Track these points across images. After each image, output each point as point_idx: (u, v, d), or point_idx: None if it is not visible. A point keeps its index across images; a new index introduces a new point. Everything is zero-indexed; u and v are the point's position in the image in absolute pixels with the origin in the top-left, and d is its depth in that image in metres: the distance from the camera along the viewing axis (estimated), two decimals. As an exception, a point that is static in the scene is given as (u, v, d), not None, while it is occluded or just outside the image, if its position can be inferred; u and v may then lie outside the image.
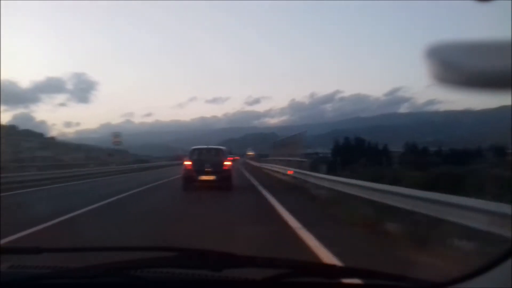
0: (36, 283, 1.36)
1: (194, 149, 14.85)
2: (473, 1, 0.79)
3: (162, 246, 1.44)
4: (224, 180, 13.73)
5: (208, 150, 15.13)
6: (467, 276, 1.18)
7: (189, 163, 13.99)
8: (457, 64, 0.65)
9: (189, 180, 13.79)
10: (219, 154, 14.70)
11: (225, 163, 14.12)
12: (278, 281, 1.30)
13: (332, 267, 1.37)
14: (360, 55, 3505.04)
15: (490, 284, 1.10)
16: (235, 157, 41.13)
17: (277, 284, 1.32)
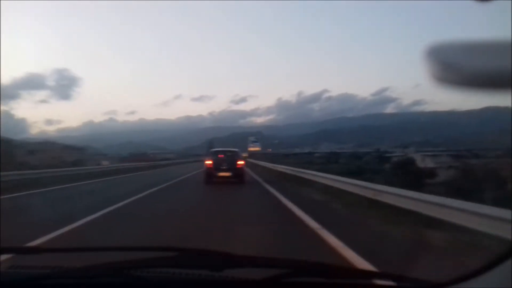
0: (36, 283, 1.36)
1: (213, 151, 18.36)
2: (473, 1, 0.80)
3: (162, 246, 1.44)
4: (238, 176, 16.84)
5: (225, 152, 18.24)
6: (467, 276, 1.19)
7: (210, 162, 17.07)
8: (456, 64, 0.65)
9: (210, 176, 16.87)
10: (234, 155, 17.70)
11: (239, 162, 17.22)
12: (278, 281, 1.31)
13: (332, 267, 1.38)
14: (349, 54, 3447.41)
15: (490, 284, 1.10)
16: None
17: (277, 284, 1.32)
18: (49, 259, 1.59)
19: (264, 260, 1.41)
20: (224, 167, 16.84)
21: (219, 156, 17.64)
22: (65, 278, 1.37)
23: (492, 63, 0.64)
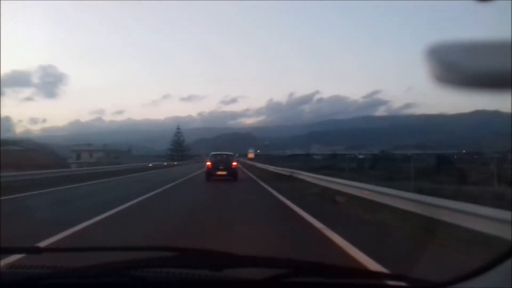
0: (36, 283, 1.36)
1: (213, 154, 22.32)
2: (473, 1, 0.79)
3: (162, 246, 1.45)
4: (232, 175, 20.74)
5: (222, 155, 22.62)
6: (467, 276, 1.19)
7: (210, 163, 20.99)
8: (457, 64, 0.65)
9: (210, 174, 20.59)
10: (229, 158, 22.13)
11: (233, 163, 21.46)
12: (278, 281, 1.31)
13: (332, 267, 1.39)
14: (343, 56, 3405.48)
15: (490, 284, 1.10)
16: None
17: (277, 284, 1.33)
18: (49, 259, 1.60)
19: (264, 260, 1.42)
20: (222, 167, 20.79)
21: (217, 158, 21.79)
22: (65, 278, 1.37)
23: (492, 63, 0.64)
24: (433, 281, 1.31)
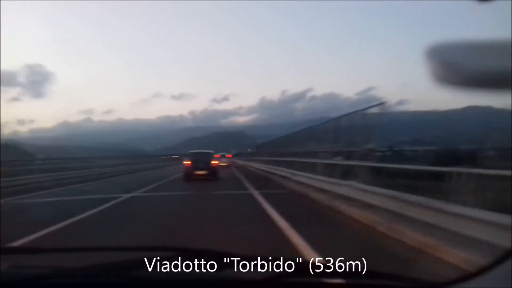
0: (36, 283, 1.36)
1: (191, 153, 21.14)
2: (473, 1, 0.80)
3: (162, 246, 1.45)
4: (212, 174, 19.83)
5: (201, 153, 21.26)
6: (467, 276, 1.19)
7: (188, 162, 20.02)
8: (457, 64, 0.66)
9: (188, 174, 19.71)
10: (209, 156, 20.92)
11: (212, 162, 20.37)
12: (278, 281, 1.31)
13: (330, 267, 1.41)
14: (337, 53, 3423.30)
15: (490, 284, 1.11)
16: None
17: (277, 284, 1.33)
18: (49, 259, 1.59)
19: (264, 260, 1.40)
20: (201, 167, 19.89)
21: (196, 157, 20.58)
22: (65, 278, 1.37)
23: (492, 63, 0.65)
24: (432, 282, 1.31)
